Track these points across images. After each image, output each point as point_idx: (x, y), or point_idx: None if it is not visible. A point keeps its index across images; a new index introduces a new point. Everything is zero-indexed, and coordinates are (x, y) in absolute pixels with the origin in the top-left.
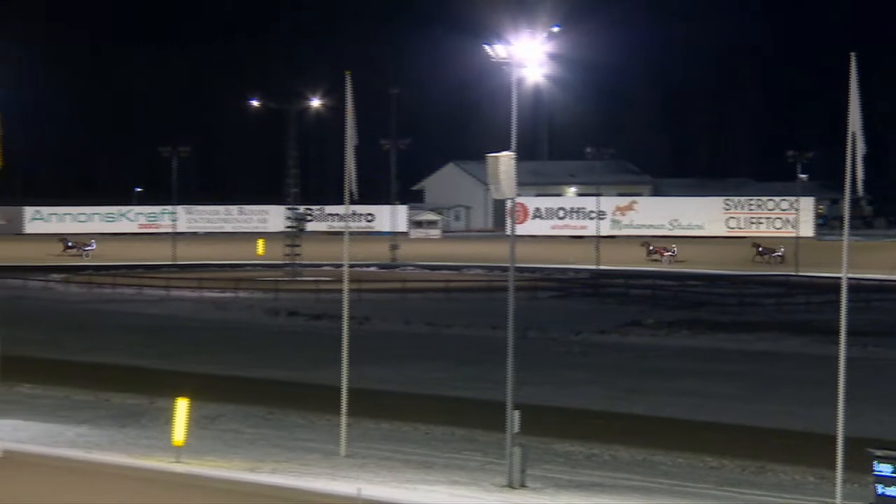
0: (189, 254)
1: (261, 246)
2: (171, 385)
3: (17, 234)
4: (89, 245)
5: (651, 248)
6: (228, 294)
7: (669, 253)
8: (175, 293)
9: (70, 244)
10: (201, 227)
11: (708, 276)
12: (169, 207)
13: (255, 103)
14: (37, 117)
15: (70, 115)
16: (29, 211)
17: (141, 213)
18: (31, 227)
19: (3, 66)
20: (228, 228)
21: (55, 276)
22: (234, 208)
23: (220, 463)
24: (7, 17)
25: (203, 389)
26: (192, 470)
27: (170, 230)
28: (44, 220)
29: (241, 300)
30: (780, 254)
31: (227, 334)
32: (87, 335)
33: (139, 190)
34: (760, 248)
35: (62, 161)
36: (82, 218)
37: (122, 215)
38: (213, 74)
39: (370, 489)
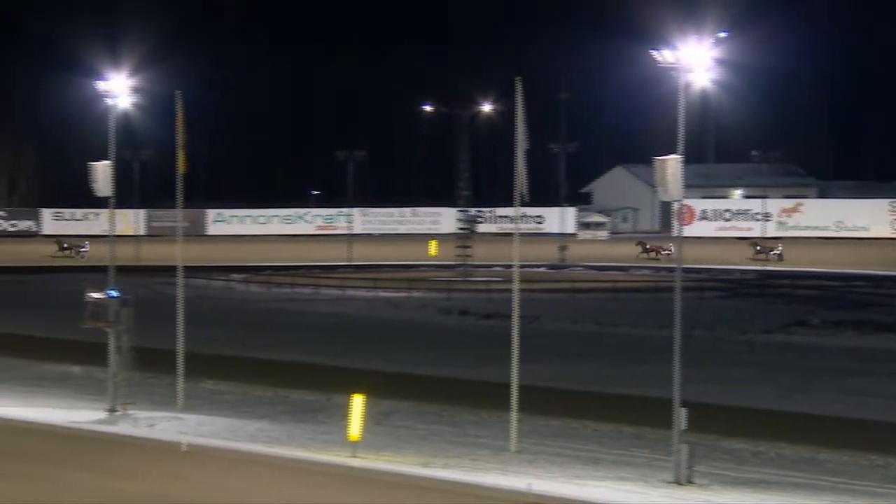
0: (364, 254)
1: (433, 247)
2: (347, 382)
3: (201, 235)
4: (83, 247)
5: (758, 247)
6: (402, 293)
7: (775, 252)
8: (350, 293)
9: (65, 245)
10: (376, 228)
11: (875, 276)
12: (345, 210)
13: (428, 108)
14: (220, 122)
15: (251, 120)
16: (211, 213)
17: (318, 216)
18: (213, 229)
19: (188, 73)
20: (402, 230)
21: (236, 276)
22: (407, 210)
23: (394, 458)
24: (194, 26)
25: (378, 386)
26: (368, 465)
27: (345, 232)
28: (225, 222)
29: (415, 299)
30: (778, 252)
31: (401, 333)
32: (267, 333)
33: (316, 193)
34: (759, 247)
35: (243, 165)
36: (262, 220)
37: (300, 217)
38: (388, 81)
39: (540, 484)
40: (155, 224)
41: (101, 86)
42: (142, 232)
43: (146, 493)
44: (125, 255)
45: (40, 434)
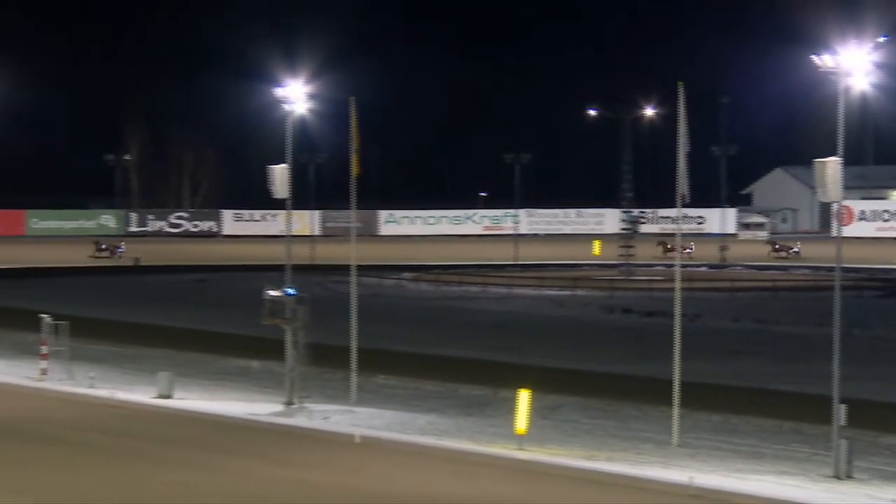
0: (530, 254)
1: (597, 247)
2: (514, 377)
3: (373, 235)
4: (120, 247)
5: (777, 245)
6: (566, 292)
7: (794, 250)
8: (517, 291)
9: (103, 246)
10: (541, 228)
11: None
12: (511, 211)
13: (592, 113)
14: (392, 127)
15: (422, 124)
16: (383, 214)
17: (485, 216)
18: (385, 230)
19: (362, 79)
20: (566, 230)
21: (406, 274)
22: (571, 211)
23: (560, 451)
24: (368, 33)
25: (543, 381)
26: (534, 457)
27: (512, 232)
28: (396, 222)
29: (579, 298)
30: (796, 250)
31: (565, 330)
32: (436, 330)
33: (484, 195)
34: (777, 245)
35: (414, 168)
36: (431, 221)
37: (468, 218)
38: (554, 86)
39: (701, 478)
40: (329, 225)
41: (279, 92)
42: (317, 232)
43: (322, 484)
44: (301, 254)
45: (221, 426)
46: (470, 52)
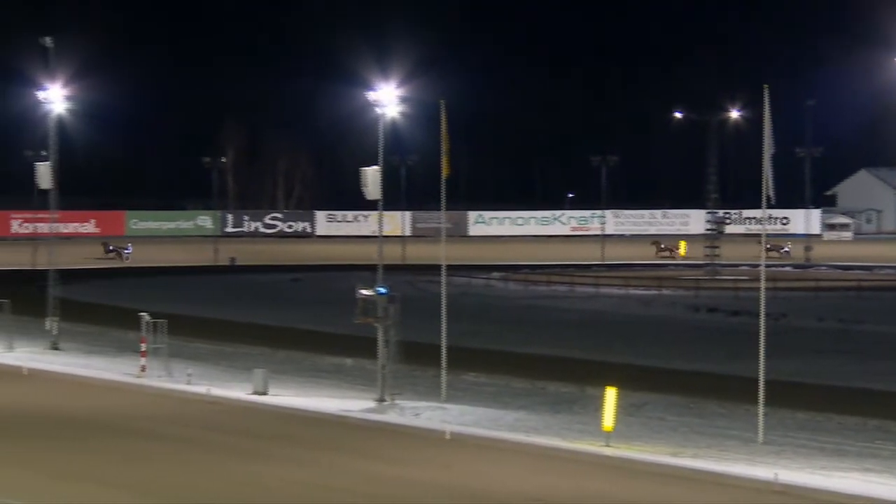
0: (616, 254)
1: (683, 247)
2: (600, 375)
3: (462, 236)
4: (126, 248)
5: (769, 245)
6: (652, 291)
7: (785, 249)
8: (604, 290)
9: (111, 248)
10: (627, 229)
11: None
12: (598, 212)
13: (678, 115)
14: (481, 129)
15: (510, 127)
16: (472, 215)
17: (573, 217)
18: (474, 230)
19: (452, 83)
20: (653, 230)
21: (495, 274)
22: (657, 212)
23: (646, 448)
24: (457, 38)
25: (629, 379)
26: (621, 454)
27: (599, 232)
28: (485, 223)
29: (664, 297)
30: (787, 249)
31: (651, 329)
32: (525, 328)
33: (571, 196)
34: (769, 245)
35: (503, 170)
36: (520, 222)
37: (556, 219)
38: (641, 89)
39: (786, 474)
40: (420, 225)
41: (371, 96)
42: (407, 233)
43: (413, 479)
44: (392, 254)
45: (315, 422)
46: (559, 55)
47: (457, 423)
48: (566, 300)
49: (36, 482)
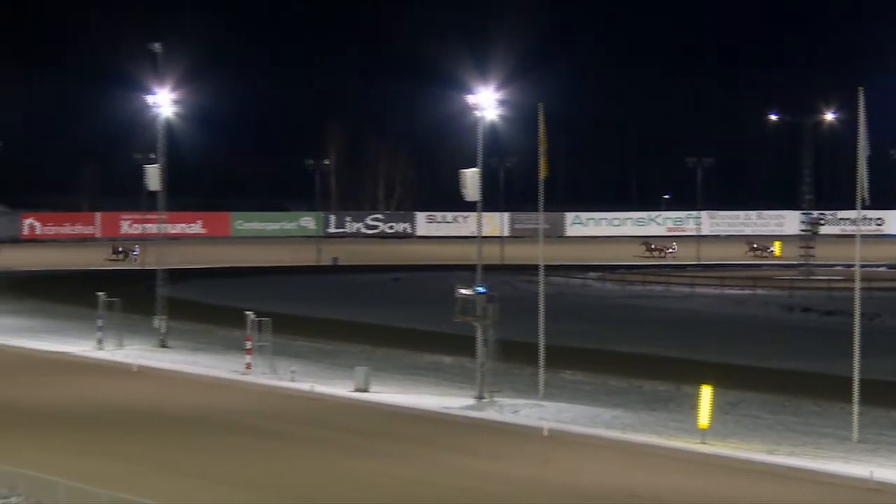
0: (712, 254)
1: (777, 247)
2: (695, 373)
3: (560, 236)
4: (134, 250)
5: (755, 245)
6: (747, 291)
7: (770, 250)
8: (699, 290)
9: (120, 249)
10: (722, 230)
11: None
12: (694, 213)
13: (773, 118)
14: (578, 131)
15: (607, 129)
16: (570, 216)
17: (669, 218)
18: (571, 231)
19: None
20: (748, 231)
21: (592, 274)
22: (752, 213)
23: (741, 445)
24: (555, 41)
25: (724, 378)
26: (716, 451)
27: (694, 233)
28: (582, 224)
29: (759, 297)
30: (772, 250)
31: (745, 328)
32: (621, 327)
33: (667, 197)
34: (755, 245)
35: (600, 171)
36: (616, 222)
37: (652, 220)
38: (736, 92)
39: (882, 472)
40: (518, 226)
41: (470, 99)
42: (506, 233)
43: (511, 475)
44: (491, 254)
45: (415, 418)
46: (655, 56)
47: (554, 420)
48: (662, 300)
49: (145, 476)
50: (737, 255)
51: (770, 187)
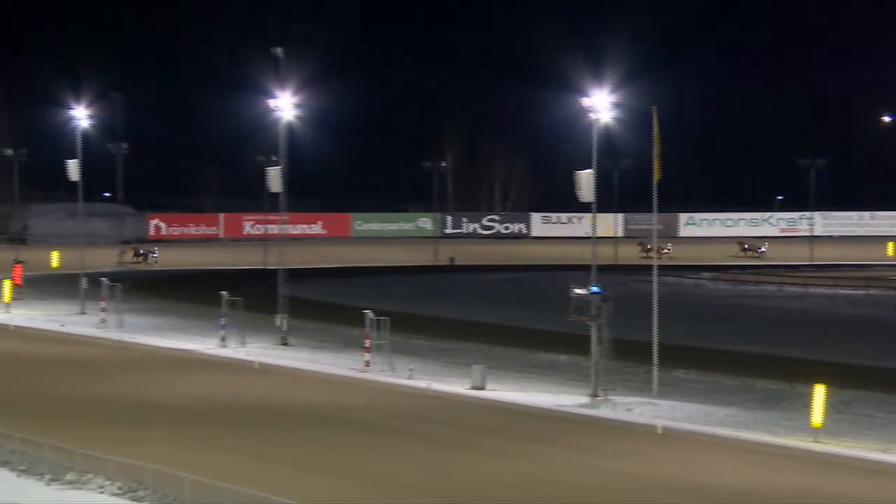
0: (825, 255)
1: (891, 248)
2: (809, 372)
3: (673, 237)
4: (153, 252)
5: (745, 245)
6: (860, 291)
7: (762, 250)
8: (812, 290)
9: (140, 251)
10: (835, 230)
11: None
12: (807, 213)
13: (886, 119)
14: (691, 133)
15: (720, 130)
16: (683, 217)
17: (781, 219)
18: (684, 231)
19: (663, 89)
20: (860, 232)
21: (705, 274)
22: (866, 214)
23: (855, 444)
24: (669, 45)
25: (837, 377)
26: (829, 449)
27: (807, 234)
28: (696, 224)
29: (872, 297)
30: (763, 250)
31: (859, 327)
32: (734, 327)
33: (780, 198)
34: (745, 245)
35: (713, 172)
36: (729, 223)
37: (765, 220)
38: (849, 93)
39: None
40: (631, 227)
41: (585, 102)
42: (619, 234)
43: (626, 473)
44: (605, 255)
45: (530, 416)
46: (767, 58)
47: (668, 418)
48: (775, 299)
49: (269, 471)
50: (851, 255)
51: (883, 188)
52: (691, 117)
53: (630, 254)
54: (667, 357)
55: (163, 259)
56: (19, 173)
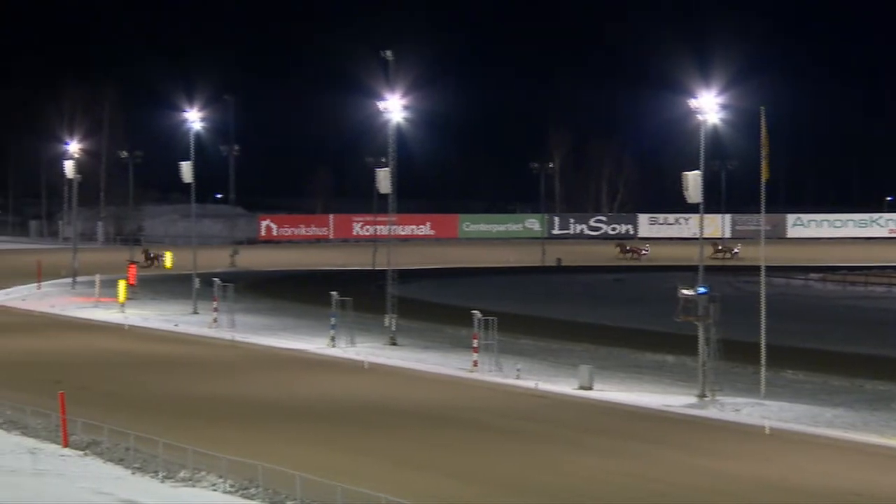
0: None
1: None
2: None
3: (781, 238)
4: (161, 256)
5: (719, 247)
6: None
7: (735, 251)
8: None
9: (152, 255)
10: None
11: None
12: None
13: None
14: (800, 134)
15: (828, 131)
16: (791, 218)
17: (890, 220)
18: (792, 232)
19: (770, 89)
20: None
21: (813, 275)
22: None
23: None
24: (777, 45)
25: None
26: None
27: None
28: (804, 225)
29: None
30: (737, 251)
31: None
32: (842, 328)
33: (889, 199)
34: (720, 247)
35: (821, 173)
36: (837, 224)
37: (874, 221)
38: None
39: None
40: (739, 227)
41: (692, 103)
42: (727, 235)
43: (733, 473)
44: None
45: (637, 416)
46: (874, 57)
47: (776, 418)
48: (884, 300)
49: (379, 469)
50: None
51: None
52: (800, 118)
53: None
54: (775, 358)
55: (269, 259)
56: (134, 175)
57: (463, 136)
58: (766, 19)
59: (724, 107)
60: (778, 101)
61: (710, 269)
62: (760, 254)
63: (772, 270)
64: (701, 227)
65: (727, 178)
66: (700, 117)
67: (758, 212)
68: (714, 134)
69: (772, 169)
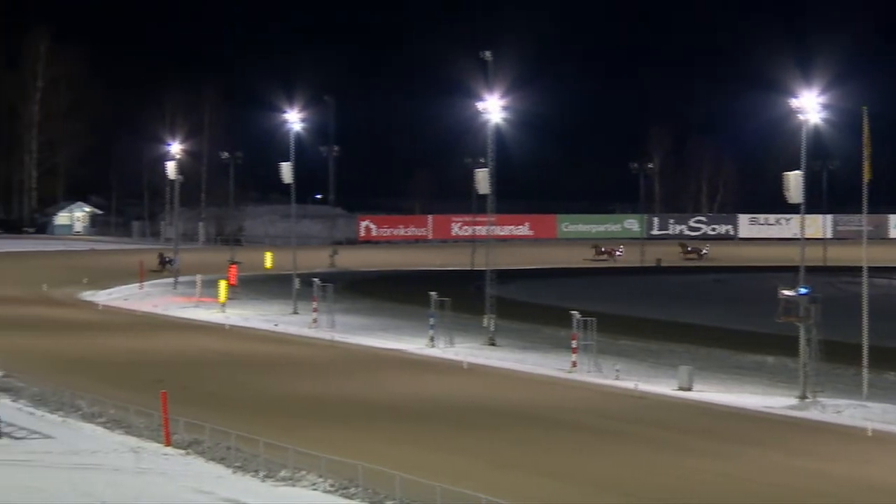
0: None
1: None
2: None
3: (883, 238)
4: (174, 260)
5: (689, 248)
6: None
7: (704, 252)
8: None
9: (167, 258)
10: None
11: None
12: None
13: None
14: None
15: None
16: (893, 218)
17: None
18: (895, 233)
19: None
20: None
21: None
22: None
23: None
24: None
25: None
26: None
27: None
28: None
29: None
30: (706, 251)
31: None
32: None
33: None
34: (689, 248)
35: None
36: None
37: None
38: None
39: None
40: (840, 228)
41: (793, 103)
42: (828, 235)
43: (833, 474)
44: (813, 256)
45: (737, 417)
46: None
47: (879, 420)
48: None
49: (476, 469)
50: None
51: None
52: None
53: (839, 254)
54: (877, 359)
55: (369, 259)
56: (234, 176)
57: (562, 136)
58: (869, 18)
59: (825, 106)
60: (881, 101)
61: (810, 270)
62: (862, 254)
63: (874, 271)
64: (802, 228)
65: (829, 178)
66: (801, 117)
67: (859, 212)
68: (815, 133)
69: (874, 169)
